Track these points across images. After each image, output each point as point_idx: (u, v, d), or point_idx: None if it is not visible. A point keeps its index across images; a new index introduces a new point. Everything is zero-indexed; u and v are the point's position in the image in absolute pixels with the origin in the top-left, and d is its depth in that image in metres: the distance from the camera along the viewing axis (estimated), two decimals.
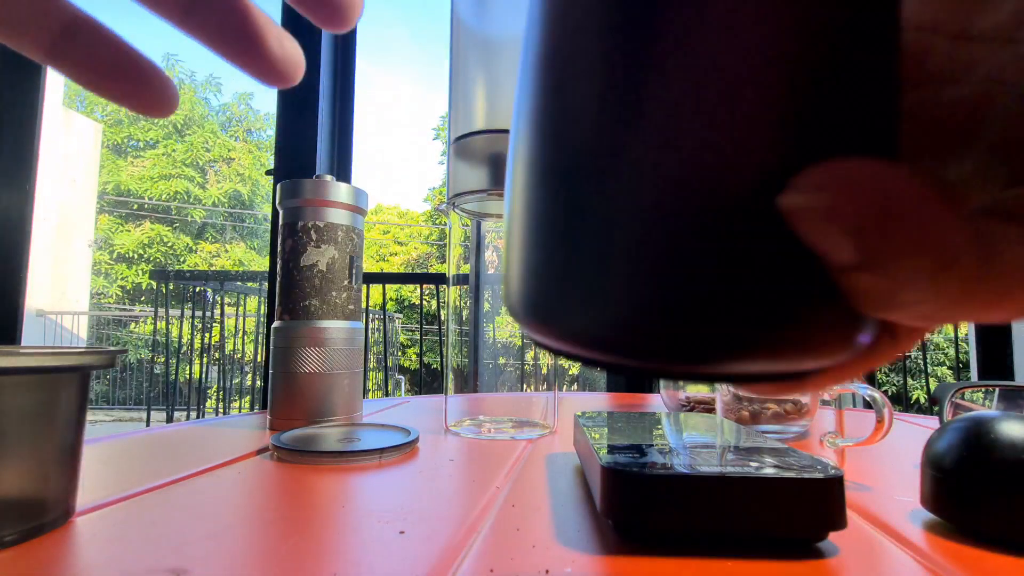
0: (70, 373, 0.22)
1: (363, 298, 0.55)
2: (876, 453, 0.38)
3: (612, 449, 0.25)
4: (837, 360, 0.09)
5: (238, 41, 0.15)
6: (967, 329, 1.66)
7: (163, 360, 3.59)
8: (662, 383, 0.56)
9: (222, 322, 3.49)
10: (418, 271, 10.93)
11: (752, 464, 0.22)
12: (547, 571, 0.19)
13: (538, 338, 0.10)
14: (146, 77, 0.15)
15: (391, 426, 0.43)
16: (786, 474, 0.21)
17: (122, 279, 10.93)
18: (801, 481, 0.21)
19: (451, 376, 0.48)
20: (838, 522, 0.21)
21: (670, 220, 0.08)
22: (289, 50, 0.16)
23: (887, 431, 0.28)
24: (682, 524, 0.21)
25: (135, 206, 11.52)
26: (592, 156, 0.09)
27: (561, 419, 0.48)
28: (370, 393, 4.68)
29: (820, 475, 0.21)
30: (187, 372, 3.16)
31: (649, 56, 0.08)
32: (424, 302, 2.75)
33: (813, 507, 0.21)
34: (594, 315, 0.09)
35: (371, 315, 3.32)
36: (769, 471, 0.21)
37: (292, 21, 1.20)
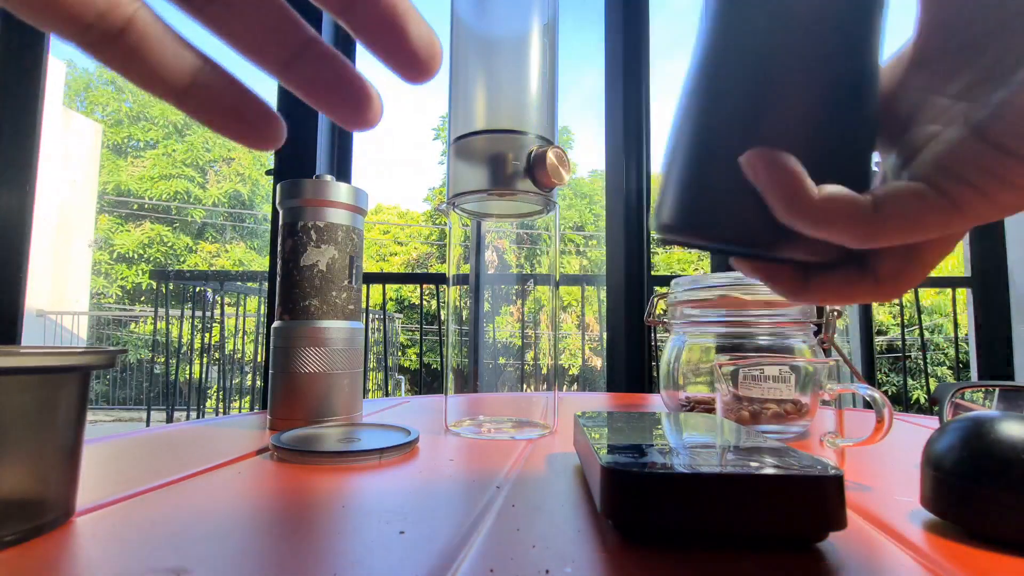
0: (70, 373, 0.22)
1: (363, 298, 0.55)
2: (876, 453, 0.38)
3: (612, 449, 0.25)
4: (813, 253, 0.19)
5: (343, 99, 0.17)
6: (967, 329, 1.65)
7: (163, 360, 3.59)
8: (662, 384, 0.56)
9: (222, 322, 3.49)
10: (418, 271, 10.93)
11: (752, 464, 0.22)
12: (547, 571, 0.19)
13: (685, 239, 0.20)
14: (259, 116, 0.17)
15: (391, 426, 0.43)
16: (786, 473, 0.21)
17: (122, 279, 10.93)
18: (801, 480, 0.20)
19: (451, 376, 0.48)
20: (838, 522, 0.21)
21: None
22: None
23: (887, 431, 0.28)
24: (682, 523, 0.21)
25: (135, 206, 11.51)
26: (730, 143, 0.19)
27: (561, 419, 0.48)
28: (370, 393, 4.68)
29: (820, 474, 0.21)
30: (187, 372, 3.16)
31: (762, 96, 0.19)
32: (424, 302, 2.75)
33: (813, 506, 0.20)
34: (728, 223, 0.19)
35: (371, 315, 3.32)
36: (769, 470, 0.21)
37: None
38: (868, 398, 0.28)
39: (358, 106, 0.17)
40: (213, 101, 0.16)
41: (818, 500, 0.20)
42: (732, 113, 0.19)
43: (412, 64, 0.16)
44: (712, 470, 0.21)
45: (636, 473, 0.21)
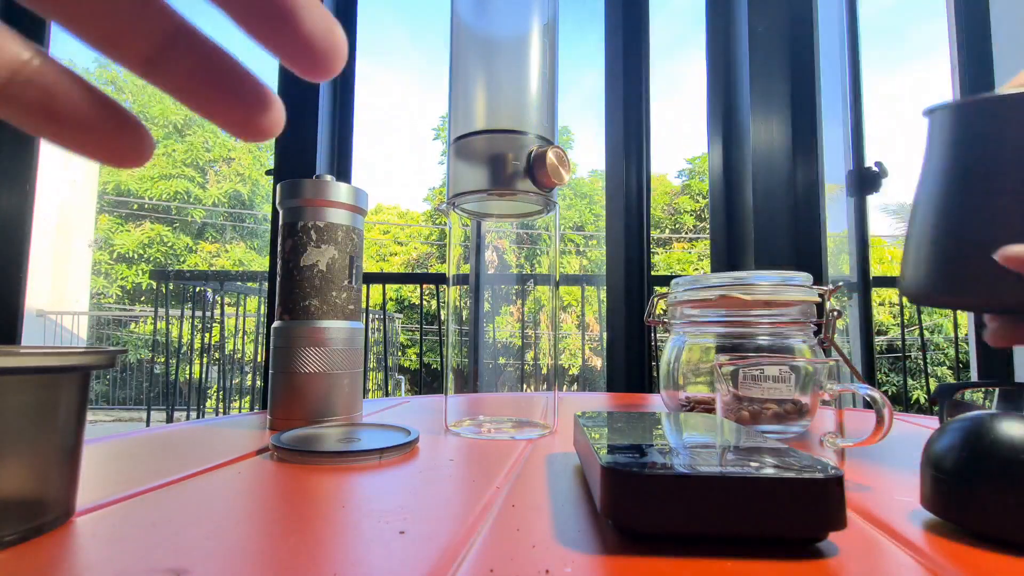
0: (70, 373, 0.22)
1: (363, 298, 0.55)
2: (876, 453, 0.38)
3: (612, 449, 0.25)
4: None
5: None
6: (967, 329, 1.65)
7: (163, 360, 3.58)
8: (662, 384, 0.56)
9: (222, 322, 3.49)
10: (418, 271, 10.93)
11: (752, 464, 0.22)
12: (547, 571, 0.19)
13: (943, 302, 0.31)
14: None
15: (391, 426, 0.43)
16: (786, 474, 0.21)
17: (122, 279, 10.93)
18: (801, 481, 0.20)
19: (451, 376, 0.48)
20: (838, 522, 0.21)
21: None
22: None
23: (887, 431, 0.28)
24: (682, 524, 0.21)
25: (135, 206, 11.51)
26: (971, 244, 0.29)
27: (561, 419, 0.48)
28: (370, 393, 4.68)
29: (820, 475, 0.21)
30: (187, 372, 3.16)
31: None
32: (424, 302, 2.75)
33: (813, 507, 0.20)
34: (973, 294, 0.30)
35: (371, 315, 3.32)
36: (769, 471, 0.21)
37: None
38: (868, 398, 0.28)
39: (247, 111, 0.14)
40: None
41: (818, 500, 0.20)
42: (981, 218, 0.29)
43: (307, 56, 0.13)
44: (712, 471, 0.21)
45: (636, 473, 0.21)
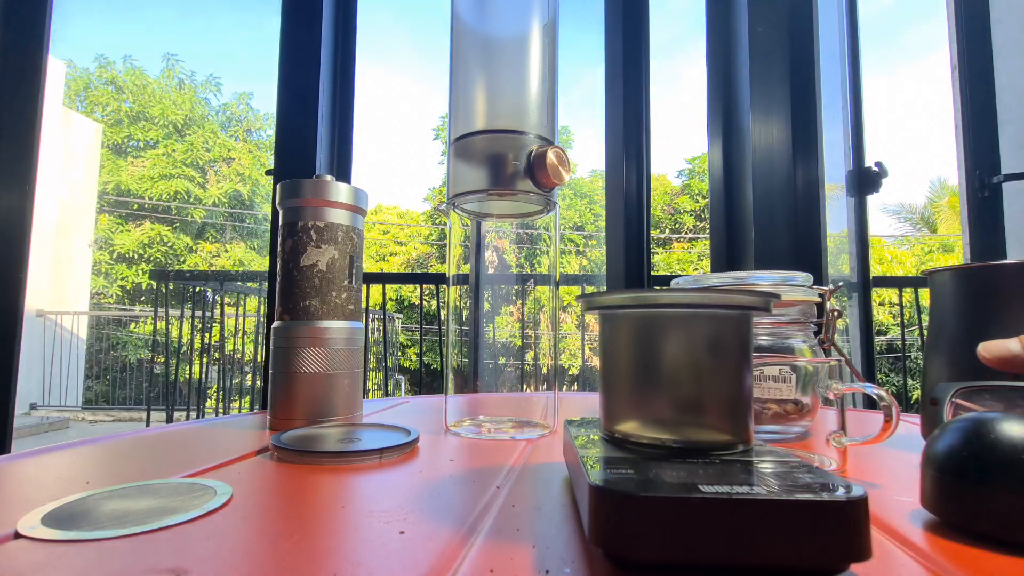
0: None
1: (363, 298, 0.55)
2: (876, 453, 0.38)
3: (605, 463, 0.22)
4: None
5: None
6: None
7: (163, 360, 3.58)
8: None
9: (222, 322, 3.49)
10: (418, 271, 10.93)
11: (763, 484, 0.19)
12: (547, 571, 0.19)
13: None
14: None
15: (391, 426, 0.43)
16: (802, 496, 0.18)
17: (122, 279, 10.92)
18: (819, 504, 0.18)
19: (451, 376, 0.48)
20: (861, 551, 0.18)
21: None
22: None
23: (895, 428, 0.28)
24: (687, 555, 0.18)
25: (135, 206, 11.51)
26: None
27: (561, 419, 0.48)
28: (370, 393, 4.68)
29: (841, 497, 0.18)
30: (187, 372, 3.16)
31: None
32: (424, 302, 2.75)
33: (833, 534, 0.17)
34: None
35: (371, 315, 3.32)
36: (783, 493, 0.18)
37: (292, 19, 1.20)
38: (876, 396, 0.28)
39: None
40: None
41: (839, 526, 0.18)
42: None
43: None
44: (717, 491, 0.18)
45: (632, 495, 0.18)
